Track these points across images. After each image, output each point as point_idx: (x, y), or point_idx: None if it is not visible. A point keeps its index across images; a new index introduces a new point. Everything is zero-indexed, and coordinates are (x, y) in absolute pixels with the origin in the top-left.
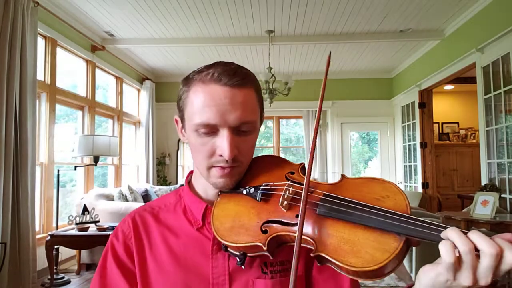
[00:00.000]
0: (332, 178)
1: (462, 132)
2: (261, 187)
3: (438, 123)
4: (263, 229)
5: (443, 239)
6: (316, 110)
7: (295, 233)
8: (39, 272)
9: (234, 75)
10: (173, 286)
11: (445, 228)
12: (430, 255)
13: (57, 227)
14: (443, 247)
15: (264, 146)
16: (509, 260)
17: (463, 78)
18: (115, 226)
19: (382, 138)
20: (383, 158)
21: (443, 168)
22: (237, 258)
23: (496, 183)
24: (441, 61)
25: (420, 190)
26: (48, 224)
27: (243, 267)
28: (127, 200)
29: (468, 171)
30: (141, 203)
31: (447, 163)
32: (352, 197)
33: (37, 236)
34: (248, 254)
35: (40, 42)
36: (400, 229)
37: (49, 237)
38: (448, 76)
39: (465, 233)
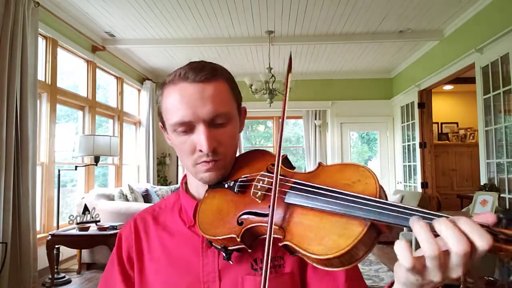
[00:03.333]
0: None
1: (461, 132)
2: (239, 179)
3: (437, 123)
4: (239, 221)
5: (407, 220)
6: (315, 110)
7: (267, 223)
8: (40, 271)
9: (200, 70)
10: (168, 285)
11: (412, 213)
12: None
13: (57, 227)
14: (398, 250)
15: (264, 146)
16: (481, 249)
17: (462, 78)
18: (116, 226)
19: (382, 138)
20: (382, 158)
21: (443, 168)
22: (222, 253)
23: (495, 182)
24: (441, 62)
25: (420, 190)
26: (49, 223)
27: (231, 262)
28: (127, 200)
29: (467, 171)
30: (141, 203)
31: (446, 163)
32: (323, 184)
33: (38, 236)
34: (229, 248)
35: (41, 43)
36: (363, 212)
37: (50, 237)
38: (448, 77)
39: (431, 219)
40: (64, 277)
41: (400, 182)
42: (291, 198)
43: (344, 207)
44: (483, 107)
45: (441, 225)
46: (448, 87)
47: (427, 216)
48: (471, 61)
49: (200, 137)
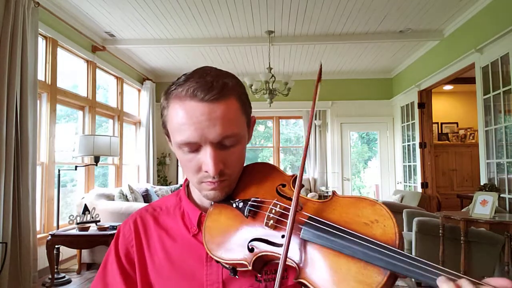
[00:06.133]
0: (332, 178)
1: (461, 132)
2: (249, 203)
3: (437, 123)
4: (250, 247)
5: (432, 279)
6: (315, 110)
7: (280, 254)
8: (40, 271)
9: (210, 88)
10: None
11: (435, 271)
12: (429, 254)
13: (57, 227)
14: None
15: (264, 146)
16: None
17: (462, 79)
18: (116, 226)
19: (382, 138)
20: (382, 158)
21: (443, 168)
22: (229, 271)
23: (495, 182)
24: (441, 62)
25: (420, 190)
26: (49, 223)
27: (236, 276)
28: (127, 200)
29: (467, 171)
30: (141, 203)
31: (446, 163)
32: (339, 220)
33: (38, 236)
34: (238, 269)
35: (41, 43)
36: (384, 263)
37: (50, 237)
38: (448, 77)
39: (455, 280)
40: (64, 277)
41: (400, 182)
42: (306, 235)
43: (365, 255)
44: (483, 107)
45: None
46: (448, 87)
47: (452, 277)
48: (471, 61)
49: (207, 159)
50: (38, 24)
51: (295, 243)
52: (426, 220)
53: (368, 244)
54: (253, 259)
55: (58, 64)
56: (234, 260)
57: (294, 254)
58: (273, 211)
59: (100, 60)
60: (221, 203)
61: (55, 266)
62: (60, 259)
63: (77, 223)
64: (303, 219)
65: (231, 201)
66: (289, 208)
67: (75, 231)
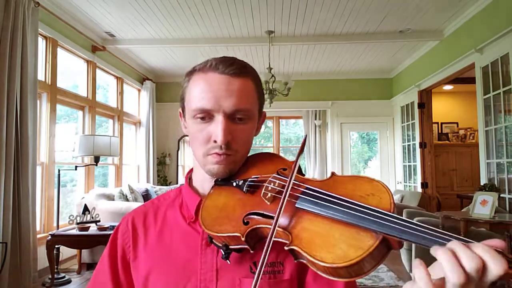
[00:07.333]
0: None
1: (461, 132)
2: (249, 179)
3: (437, 123)
4: (245, 221)
5: (427, 242)
6: (315, 110)
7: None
8: (40, 271)
9: (231, 64)
10: (164, 281)
11: (430, 232)
12: (429, 255)
13: (57, 227)
14: (419, 276)
15: (264, 146)
16: (494, 273)
17: (462, 79)
18: (116, 226)
19: (382, 138)
20: (382, 158)
21: (443, 168)
22: (222, 251)
23: (495, 182)
24: (441, 62)
25: (420, 190)
26: (49, 223)
27: (228, 261)
28: (127, 200)
29: (467, 171)
30: (141, 203)
31: (446, 163)
32: (336, 193)
33: (38, 236)
34: (230, 246)
35: (41, 43)
36: (376, 226)
37: (49, 237)
38: (448, 77)
39: (447, 240)
40: (64, 277)
41: (400, 182)
42: (302, 203)
43: (357, 218)
44: (483, 107)
45: (456, 246)
46: (448, 87)
47: (443, 236)
48: (471, 61)
49: (217, 127)
50: (38, 24)
51: (288, 213)
52: (426, 220)
53: (361, 208)
54: (247, 231)
55: (58, 64)
56: (228, 233)
57: (287, 223)
58: (272, 184)
59: (100, 60)
60: (222, 185)
61: (55, 266)
62: (60, 259)
63: (77, 223)
64: (301, 189)
65: (232, 181)
66: (285, 185)
67: (75, 231)
